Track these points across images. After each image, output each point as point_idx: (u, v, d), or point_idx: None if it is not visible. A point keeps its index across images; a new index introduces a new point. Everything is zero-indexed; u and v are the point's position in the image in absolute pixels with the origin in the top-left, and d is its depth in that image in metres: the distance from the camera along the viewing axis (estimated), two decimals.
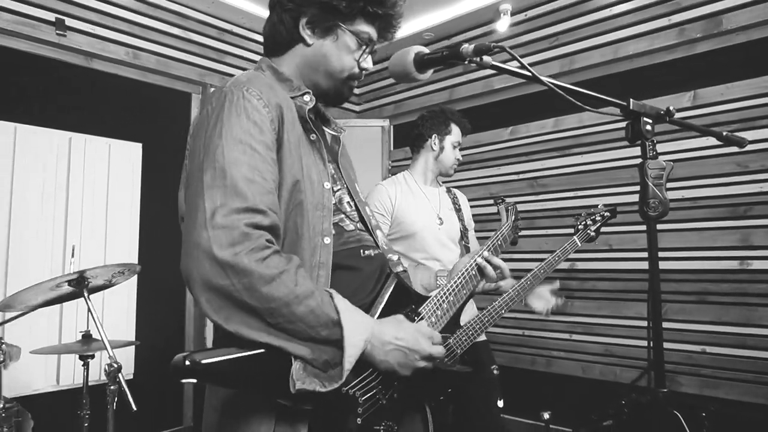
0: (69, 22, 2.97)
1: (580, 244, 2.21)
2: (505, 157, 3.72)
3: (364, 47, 1.12)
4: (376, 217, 2.10)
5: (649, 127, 1.16)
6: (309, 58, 1.11)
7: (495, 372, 2.22)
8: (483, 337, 2.30)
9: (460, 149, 2.42)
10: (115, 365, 1.70)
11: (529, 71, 0.93)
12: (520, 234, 1.73)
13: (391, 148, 4.44)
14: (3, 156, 2.73)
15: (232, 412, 0.95)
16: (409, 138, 2.50)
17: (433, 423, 1.14)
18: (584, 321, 3.27)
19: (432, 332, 1.03)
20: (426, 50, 1.03)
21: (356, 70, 1.13)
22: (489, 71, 3.72)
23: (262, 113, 0.95)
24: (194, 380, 0.80)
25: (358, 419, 0.94)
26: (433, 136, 2.36)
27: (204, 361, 0.80)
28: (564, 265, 3.40)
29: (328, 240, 1.01)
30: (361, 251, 1.08)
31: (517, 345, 3.57)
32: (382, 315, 1.03)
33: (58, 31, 2.93)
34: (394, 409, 1.01)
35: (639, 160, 1.12)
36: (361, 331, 0.91)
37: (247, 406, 0.93)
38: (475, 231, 3.08)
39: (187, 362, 0.78)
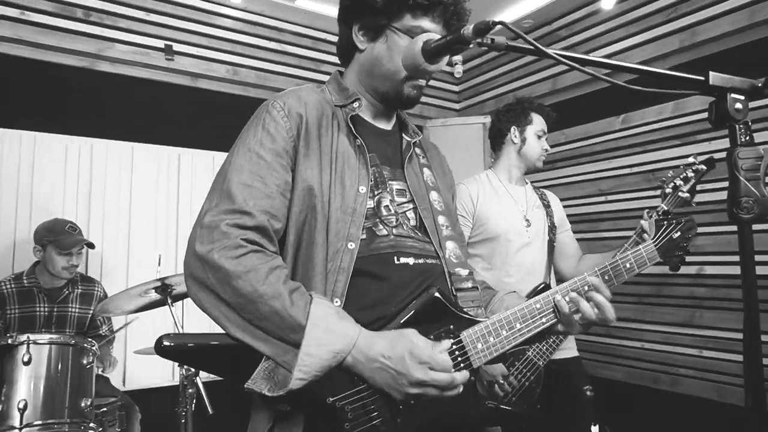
0: (176, 47, 3.23)
1: (667, 208, 1.80)
2: (617, 149, 3.33)
3: (435, 40, 1.02)
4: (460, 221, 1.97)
5: (739, 105, 0.92)
6: (364, 64, 1.12)
7: (588, 394, 1.97)
8: (575, 353, 2.06)
9: (551, 143, 2.19)
10: (192, 369, 1.78)
11: (540, 49, 0.76)
12: (681, 257, 1.38)
13: None
14: (121, 174, 3.05)
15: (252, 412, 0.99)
16: (489, 136, 2.33)
17: None
18: (716, 335, 2.80)
19: (433, 357, 0.88)
20: (435, 37, 0.90)
21: (432, 65, 1.02)
22: (595, 55, 3.38)
23: (279, 123, 1.01)
24: (164, 358, 0.90)
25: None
26: (513, 129, 2.18)
27: (165, 343, 0.89)
28: (690, 270, 2.96)
29: (352, 245, 0.98)
30: (395, 258, 1.01)
31: (636, 359, 3.17)
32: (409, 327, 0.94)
33: (167, 57, 3.20)
34: None
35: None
36: (333, 341, 0.86)
37: (255, 406, 0.97)
38: (584, 232, 2.78)
39: (162, 343, 0.89)
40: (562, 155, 3.65)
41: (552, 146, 3.58)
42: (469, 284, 1.09)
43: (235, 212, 0.92)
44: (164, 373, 3.08)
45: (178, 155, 3.24)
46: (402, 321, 0.95)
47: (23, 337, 1.62)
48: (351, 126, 1.07)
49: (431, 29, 1.03)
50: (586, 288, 1.06)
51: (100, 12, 3.03)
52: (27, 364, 1.59)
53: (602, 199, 3.40)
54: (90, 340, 1.91)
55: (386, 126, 1.18)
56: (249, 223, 0.92)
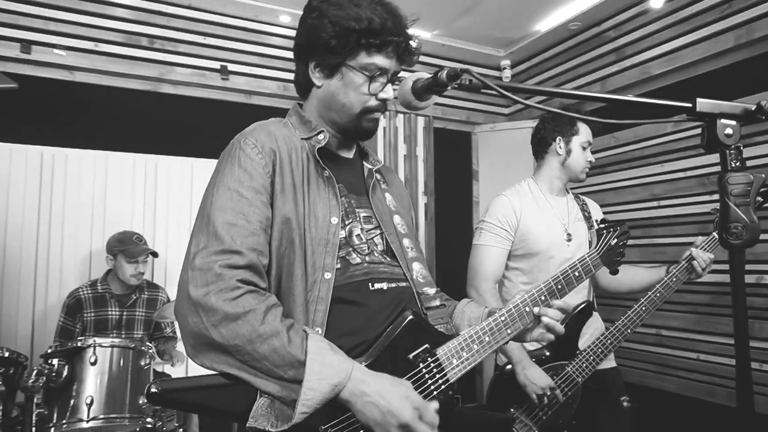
0: (230, 67, 3.45)
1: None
2: (670, 152, 3.21)
3: (378, 79, 1.10)
4: (484, 234, 2.00)
5: (729, 131, 0.92)
6: (321, 99, 1.15)
7: (625, 404, 1.94)
8: (612, 363, 2.03)
9: (593, 150, 2.12)
10: None
11: (504, 95, 0.81)
12: (619, 261, 1.46)
13: None
14: (182, 187, 3.30)
15: None
16: (532, 143, 2.30)
17: None
18: None
19: (426, 407, 0.93)
20: (424, 76, 0.97)
21: (372, 102, 1.11)
22: (645, 56, 3.28)
23: (254, 160, 1.03)
24: (156, 404, 0.90)
25: None
26: (558, 139, 2.09)
27: (152, 390, 0.89)
28: (750, 279, 2.81)
29: (329, 275, 1.02)
30: (370, 284, 1.06)
31: (691, 370, 3.05)
32: (387, 354, 0.99)
33: (222, 76, 3.42)
34: None
35: None
36: (331, 375, 0.89)
37: None
38: (637, 237, 2.71)
39: (152, 389, 0.89)
40: (613, 159, 3.56)
41: (602, 150, 3.54)
42: (437, 302, 1.14)
43: (225, 252, 0.93)
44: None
45: None
46: (386, 345, 1.01)
47: (90, 341, 1.84)
48: (318, 158, 1.10)
49: (385, 65, 1.08)
50: (542, 298, 1.15)
51: (162, 39, 3.29)
52: (93, 364, 1.80)
53: (655, 204, 3.29)
54: (147, 344, 2.11)
55: (348, 155, 1.23)
56: (240, 263, 0.94)
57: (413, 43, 1.11)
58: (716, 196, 2.30)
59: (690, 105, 0.93)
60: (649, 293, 1.97)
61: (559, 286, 1.21)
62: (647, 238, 3.29)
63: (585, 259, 1.36)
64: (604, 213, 2.35)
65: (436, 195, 4.21)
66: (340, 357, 0.93)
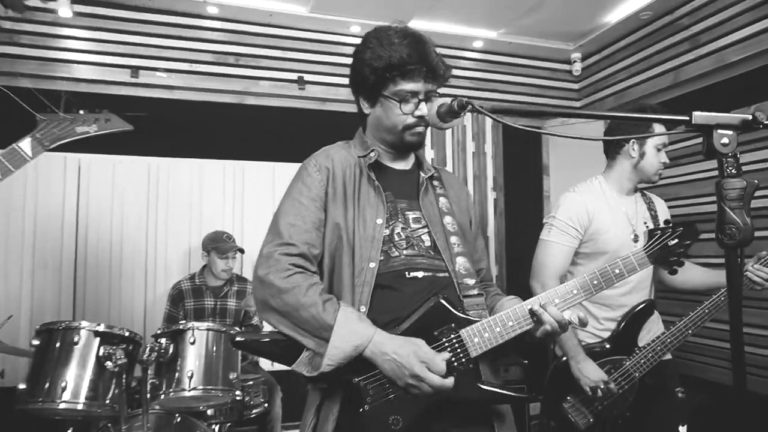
0: (306, 77, 3.75)
1: None
2: (746, 143, 3.09)
3: (411, 101, 1.31)
4: (553, 231, 2.05)
5: (725, 140, 1.01)
6: (372, 123, 1.44)
7: (680, 395, 1.98)
8: (668, 356, 2.06)
9: (667, 148, 2.07)
10: None
11: (498, 121, 0.96)
12: (676, 261, 1.41)
13: None
14: (265, 190, 3.65)
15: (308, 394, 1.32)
16: (604, 142, 2.26)
17: None
18: None
19: (433, 359, 1.13)
20: (448, 101, 1.13)
21: (410, 120, 1.32)
22: (722, 42, 3.16)
23: (313, 177, 1.34)
24: (238, 349, 1.23)
25: (366, 406, 1.16)
26: (631, 141, 2.05)
27: (237, 339, 1.26)
28: None
29: (373, 264, 1.26)
30: (407, 273, 1.27)
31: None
32: (413, 328, 1.21)
33: (299, 87, 3.73)
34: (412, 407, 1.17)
35: None
36: (354, 339, 1.14)
37: (309, 389, 1.30)
38: (710, 231, 2.68)
39: (235, 338, 1.26)
40: (687, 151, 3.46)
41: (676, 142, 3.45)
42: (475, 291, 1.31)
43: (283, 244, 1.24)
44: None
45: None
46: (411, 322, 1.22)
47: (189, 325, 2.17)
48: (369, 172, 1.35)
49: (414, 88, 1.30)
50: (574, 291, 1.27)
51: (246, 56, 3.65)
52: (192, 344, 2.13)
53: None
54: (236, 329, 2.43)
55: (405, 167, 1.46)
56: (294, 252, 1.24)
57: (434, 65, 1.31)
58: None
59: (687, 118, 1.02)
60: (713, 296, 1.97)
61: (595, 282, 1.30)
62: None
63: (629, 257, 1.38)
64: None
65: (505, 190, 4.28)
66: (366, 325, 1.17)
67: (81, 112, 1.61)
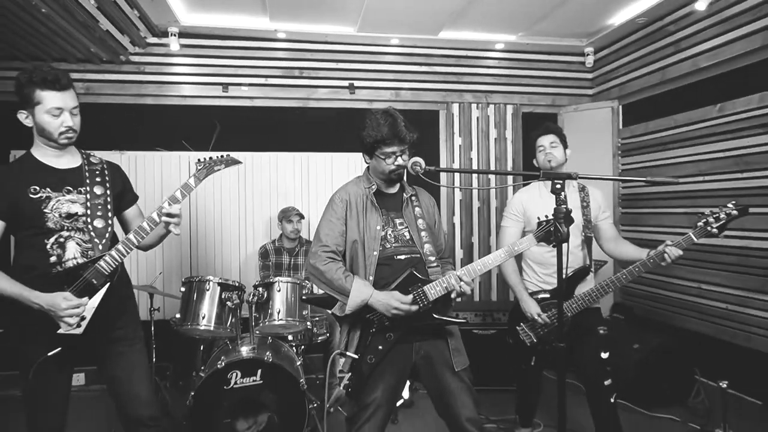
0: (356, 83, 4.68)
1: (696, 240, 2.54)
2: (713, 135, 3.73)
3: (392, 156, 2.18)
4: (506, 218, 2.99)
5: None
6: (372, 168, 2.30)
7: (601, 332, 2.82)
8: (597, 305, 2.90)
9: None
10: None
11: (430, 181, 1.89)
12: (552, 240, 2.16)
13: (620, 127, 4.77)
14: (325, 174, 4.68)
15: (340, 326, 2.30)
16: None
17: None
18: None
19: (403, 298, 2.08)
20: (419, 161, 2.06)
21: (392, 167, 2.20)
22: (697, 49, 3.75)
23: (338, 205, 2.22)
24: (305, 303, 2.51)
25: (374, 328, 2.13)
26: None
27: (303, 297, 2.43)
28: (735, 243, 3.39)
29: (375, 253, 2.18)
30: (395, 256, 2.20)
31: (723, 318, 3.69)
32: (397, 287, 2.13)
33: (350, 92, 4.67)
34: (396, 329, 2.12)
35: None
36: (362, 295, 2.06)
37: (339, 322, 2.25)
38: (685, 207, 3.49)
39: (302, 297, 2.41)
40: (672, 138, 4.10)
41: (663, 130, 4.12)
42: (435, 265, 2.21)
43: (323, 246, 2.13)
44: None
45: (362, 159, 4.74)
46: (395, 284, 2.14)
47: (275, 278, 3.26)
48: (372, 198, 2.21)
49: (392, 150, 2.13)
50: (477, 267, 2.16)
51: (309, 69, 4.62)
52: (279, 291, 3.23)
53: (701, 179, 3.84)
54: (306, 281, 3.52)
55: (393, 191, 2.30)
56: (328, 249, 2.12)
57: (406, 134, 2.13)
58: (747, 174, 3.02)
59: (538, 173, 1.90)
60: (630, 267, 2.74)
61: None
62: (693, 207, 3.89)
63: (528, 236, 2.22)
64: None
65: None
66: (368, 288, 2.10)
67: (222, 155, 2.25)
